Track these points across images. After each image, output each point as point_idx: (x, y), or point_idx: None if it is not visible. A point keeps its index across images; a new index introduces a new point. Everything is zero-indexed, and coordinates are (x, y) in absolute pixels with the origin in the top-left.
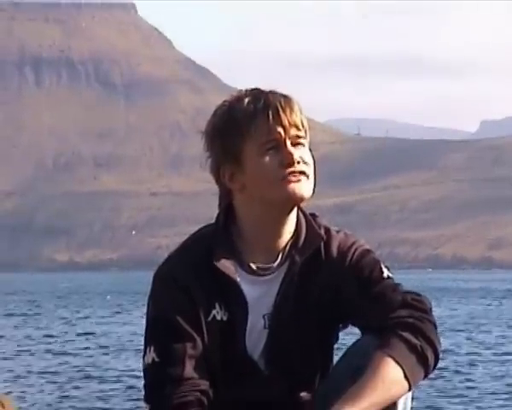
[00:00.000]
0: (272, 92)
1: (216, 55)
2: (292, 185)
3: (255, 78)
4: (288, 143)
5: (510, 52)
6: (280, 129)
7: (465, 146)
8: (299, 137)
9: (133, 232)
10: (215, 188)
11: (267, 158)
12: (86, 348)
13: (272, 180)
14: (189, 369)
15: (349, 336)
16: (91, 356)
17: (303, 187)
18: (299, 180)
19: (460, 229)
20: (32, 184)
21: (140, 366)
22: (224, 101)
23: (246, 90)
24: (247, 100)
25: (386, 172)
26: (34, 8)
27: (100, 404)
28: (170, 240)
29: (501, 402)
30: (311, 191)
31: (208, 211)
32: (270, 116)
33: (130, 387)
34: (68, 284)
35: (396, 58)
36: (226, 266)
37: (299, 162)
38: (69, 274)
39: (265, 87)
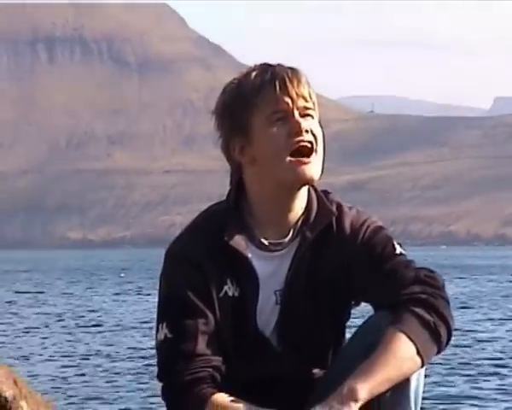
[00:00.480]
0: (280, 65)
1: (229, 34)
2: (301, 167)
3: (269, 56)
4: (296, 113)
5: None
6: (287, 99)
7: (479, 123)
8: (307, 108)
9: (122, 275)
10: (228, 166)
11: (275, 128)
12: (97, 326)
13: (281, 151)
14: (201, 345)
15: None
16: (103, 334)
17: (312, 168)
18: (308, 162)
19: (473, 206)
20: (45, 162)
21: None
22: (234, 78)
23: (254, 65)
24: (254, 74)
25: (400, 149)
26: None
27: (110, 383)
28: (183, 218)
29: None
30: (320, 171)
31: (221, 188)
32: (277, 87)
33: (143, 366)
34: (82, 261)
35: (407, 35)
36: (237, 242)
37: (307, 131)
38: (82, 251)
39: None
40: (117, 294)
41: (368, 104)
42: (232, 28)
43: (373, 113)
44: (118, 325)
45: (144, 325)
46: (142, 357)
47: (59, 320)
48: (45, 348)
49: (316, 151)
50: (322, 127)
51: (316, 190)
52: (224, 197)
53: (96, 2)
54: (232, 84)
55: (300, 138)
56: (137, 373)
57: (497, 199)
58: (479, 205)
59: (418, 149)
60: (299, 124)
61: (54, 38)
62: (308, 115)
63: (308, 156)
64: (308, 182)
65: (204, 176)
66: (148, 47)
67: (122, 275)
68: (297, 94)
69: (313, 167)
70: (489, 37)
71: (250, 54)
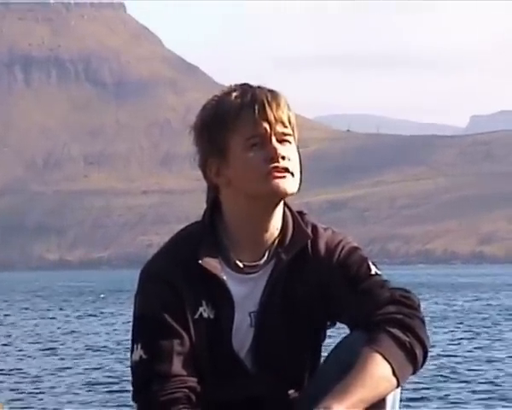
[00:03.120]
0: (260, 87)
1: (205, 53)
2: (276, 181)
3: (244, 75)
4: (274, 138)
5: (499, 47)
6: (265, 124)
7: (455, 141)
8: (284, 134)
9: (101, 296)
10: (205, 186)
11: (252, 153)
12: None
13: (256, 175)
14: (176, 366)
15: (337, 332)
16: (82, 356)
17: (287, 183)
18: (283, 176)
19: (451, 224)
20: (22, 183)
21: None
22: (214, 96)
23: (235, 85)
24: (234, 94)
25: (377, 168)
26: (23, 8)
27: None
28: (161, 238)
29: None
30: (296, 188)
31: (199, 209)
32: (256, 111)
33: (116, 391)
34: (62, 282)
35: (384, 53)
36: (212, 264)
37: (283, 158)
38: (60, 273)
39: (255, 83)
40: (93, 315)
41: (345, 123)
42: (208, 49)
43: (350, 132)
44: (90, 347)
45: (120, 346)
46: (117, 377)
47: (48, 342)
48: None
49: (292, 174)
50: (299, 153)
51: (291, 210)
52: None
53: (72, 22)
54: (212, 102)
55: (276, 165)
56: (111, 391)
57: (474, 217)
58: (456, 223)
59: (395, 167)
60: (275, 150)
61: (30, 58)
62: (285, 141)
63: (283, 174)
64: (282, 195)
65: (181, 196)
66: (125, 67)
67: (102, 296)
68: (275, 119)
69: (287, 182)
70: (465, 55)
71: (227, 74)
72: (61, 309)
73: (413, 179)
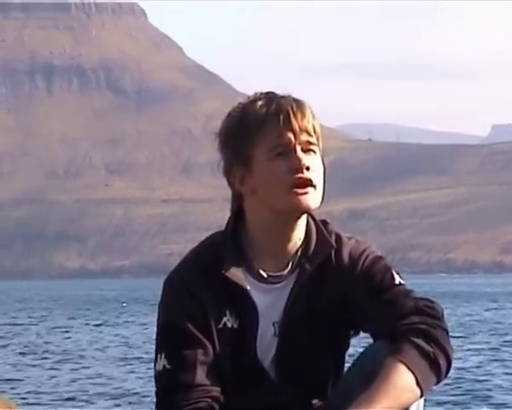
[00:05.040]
0: (285, 97)
1: (227, 62)
2: (298, 197)
3: (266, 84)
4: (298, 148)
5: None
6: (290, 134)
7: (476, 151)
8: (310, 143)
9: (124, 304)
10: (226, 194)
11: (276, 163)
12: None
13: (280, 186)
14: (200, 375)
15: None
16: (102, 363)
17: (310, 199)
18: (306, 192)
19: (471, 233)
20: (43, 192)
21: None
22: (239, 103)
23: (260, 94)
24: (259, 103)
25: (398, 177)
26: (45, 16)
27: None
28: (181, 247)
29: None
30: (319, 202)
31: (219, 218)
32: (281, 120)
33: (143, 396)
34: (81, 291)
35: (406, 62)
36: (236, 274)
37: (308, 169)
38: (81, 281)
39: (278, 91)
40: (118, 324)
41: (366, 132)
42: (230, 56)
43: (371, 141)
44: (118, 356)
45: (145, 355)
46: (142, 386)
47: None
48: (38, 378)
49: (314, 187)
50: (324, 162)
51: (315, 220)
52: (223, 227)
53: (93, 31)
54: (237, 109)
55: (300, 175)
56: (138, 402)
57: (495, 227)
58: (477, 233)
59: (416, 176)
60: (299, 160)
61: (52, 67)
62: (310, 150)
63: (306, 188)
64: (304, 211)
65: (202, 205)
66: (146, 76)
67: (124, 305)
68: (300, 128)
69: (310, 198)
70: (486, 63)
71: (248, 81)
72: (84, 319)
73: (434, 189)
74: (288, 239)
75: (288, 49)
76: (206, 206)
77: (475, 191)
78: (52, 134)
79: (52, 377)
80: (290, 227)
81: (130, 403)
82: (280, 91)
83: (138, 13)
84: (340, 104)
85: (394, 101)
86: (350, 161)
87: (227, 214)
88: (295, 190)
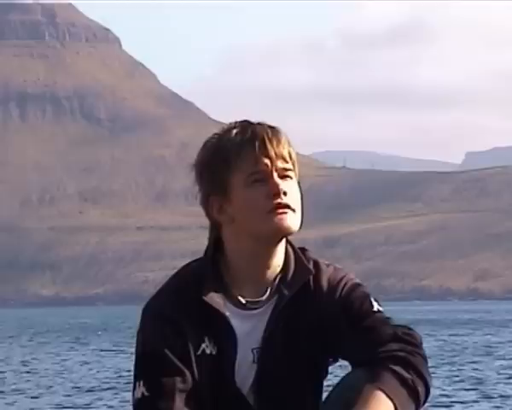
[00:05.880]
0: (260, 124)
1: (201, 90)
2: (278, 218)
3: (240, 111)
4: (275, 174)
5: (494, 83)
6: (266, 160)
7: (450, 178)
8: (286, 169)
9: (99, 333)
10: (201, 222)
11: (254, 189)
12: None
13: (259, 212)
14: (179, 403)
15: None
16: (78, 394)
17: (289, 220)
18: (285, 213)
19: (446, 260)
20: (17, 220)
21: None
22: (214, 133)
23: (235, 122)
24: (234, 131)
25: (372, 204)
26: (19, 44)
27: None
28: (156, 274)
29: None
30: (298, 225)
31: (194, 245)
32: (257, 147)
33: None
34: (57, 319)
35: (379, 90)
36: (215, 300)
37: (285, 194)
38: (56, 309)
39: (253, 119)
40: (91, 353)
41: (340, 159)
42: (204, 84)
43: (345, 168)
44: (93, 385)
45: (121, 385)
46: None
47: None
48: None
49: (293, 210)
50: (300, 188)
51: (293, 247)
52: (199, 254)
53: (68, 59)
54: (213, 139)
55: (278, 201)
56: None
57: (469, 254)
58: (451, 260)
59: (391, 204)
60: (277, 185)
61: (25, 95)
62: (287, 176)
63: (285, 212)
64: (285, 233)
65: (177, 232)
66: (120, 103)
67: (99, 333)
68: (276, 155)
69: (290, 219)
70: (460, 91)
71: (222, 110)
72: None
73: (408, 216)
74: (267, 266)
75: (260, 78)
76: (180, 233)
77: (449, 218)
78: (26, 162)
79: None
80: (269, 254)
81: None
82: (254, 119)
83: (112, 41)
84: (315, 132)
85: (369, 128)
86: (324, 188)
87: (202, 242)
88: (275, 211)
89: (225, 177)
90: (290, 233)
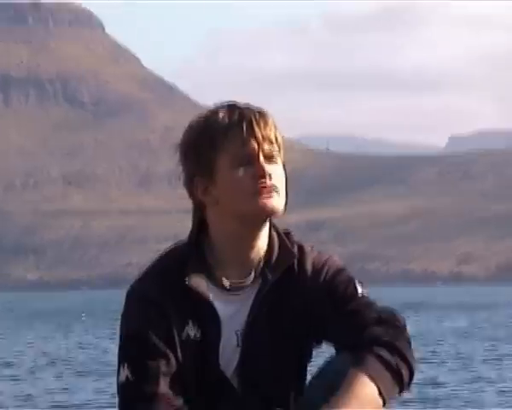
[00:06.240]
0: (247, 106)
1: (184, 73)
2: (263, 200)
3: (223, 95)
4: (261, 157)
5: (477, 67)
6: (254, 143)
7: (434, 161)
8: (272, 152)
9: (83, 316)
10: (184, 206)
11: (240, 171)
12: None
13: (244, 194)
14: (163, 386)
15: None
16: (61, 377)
17: (274, 201)
18: (270, 196)
19: (430, 244)
20: (1, 203)
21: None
22: (200, 114)
23: (221, 104)
24: (221, 113)
25: (356, 187)
26: (2, 29)
27: None
28: (140, 258)
29: None
30: (283, 206)
31: (178, 228)
32: (244, 129)
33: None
34: (40, 303)
35: (363, 73)
36: (198, 283)
37: (270, 177)
38: (39, 293)
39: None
40: (75, 337)
41: (324, 143)
42: (189, 68)
43: (329, 151)
44: (77, 368)
45: (107, 368)
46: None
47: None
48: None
49: (278, 193)
50: (285, 171)
51: (277, 230)
52: (183, 237)
53: (51, 42)
54: (198, 120)
55: (264, 183)
56: None
57: (453, 237)
58: (435, 243)
59: (374, 187)
60: (263, 168)
61: (9, 78)
62: (273, 159)
63: (270, 193)
64: (269, 214)
65: (160, 216)
66: (104, 87)
67: (83, 316)
68: (263, 137)
69: (275, 201)
70: (444, 75)
71: (205, 93)
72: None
73: (392, 199)
74: (251, 248)
75: (245, 59)
76: (164, 217)
77: (433, 202)
78: (9, 146)
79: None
80: (253, 236)
81: None
82: (243, 102)
83: (96, 24)
84: (299, 115)
85: (353, 112)
86: (308, 171)
87: (185, 225)
88: (260, 193)
89: (211, 158)
90: (275, 214)
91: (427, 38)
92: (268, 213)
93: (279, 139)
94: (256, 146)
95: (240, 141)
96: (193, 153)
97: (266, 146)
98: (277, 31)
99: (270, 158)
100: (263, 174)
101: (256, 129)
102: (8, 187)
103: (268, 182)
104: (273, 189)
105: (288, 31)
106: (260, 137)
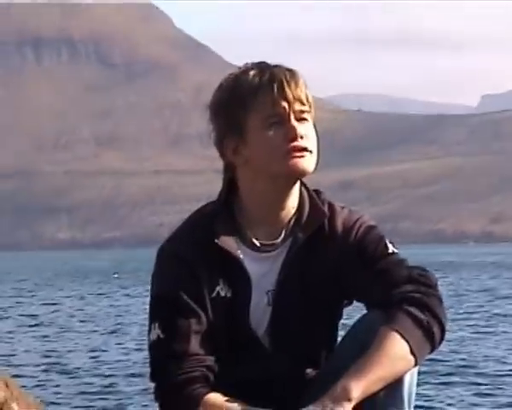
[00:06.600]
0: (278, 66)
1: (216, 33)
2: (294, 160)
3: (255, 54)
4: (292, 117)
5: (510, 26)
6: (284, 103)
7: (466, 120)
8: (303, 111)
9: (115, 275)
10: (216, 166)
11: (271, 132)
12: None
13: (275, 154)
14: (194, 345)
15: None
16: (94, 335)
17: (306, 162)
18: (302, 156)
19: (461, 204)
20: (32, 164)
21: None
22: (230, 74)
23: (252, 64)
24: (252, 73)
25: (388, 147)
26: None
27: (99, 384)
28: (171, 218)
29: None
30: (314, 166)
31: (209, 189)
32: (275, 90)
33: (136, 365)
34: (73, 262)
35: (395, 32)
36: (228, 243)
37: (302, 137)
38: (71, 252)
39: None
40: (107, 296)
41: (355, 103)
42: (219, 28)
43: (361, 111)
44: (110, 327)
45: (137, 327)
46: (135, 359)
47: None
48: (34, 348)
49: (310, 152)
50: (317, 131)
51: (308, 189)
52: (214, 198)
53: (83, 2)
54: (229, 80)
55: (295, 144)
56: (131, 375)
57: (485, 197)
58: (466, 203)
59: (406, 147)
60: (294, 129)
61: (40, 39)
62: (304, 119)
63: (302, 153)
64: (301, 174)
65: (192, 176)
66: (135, 47)
67: (115, 275)
68: (294, 97)
69: (306, 161)
70: (475, 34)
71: (237, 53)
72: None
73: (423, 159)
74: (281, 208)
75: (274, 22)
76: (195, 177)
77: (465, 161)
78: (41, 106)
79: (48, 350)
80: (284, 195)
81: (128, 375)
82: (274, 62)
83: None
84: (330, 75)
85: (384, 71)
86: (340, 131)
87: (217, 186)
88: (291, 154)
89: (241, 118)
90: (305, 174)
91: None
92: (299, 174)
93: (310, 99)
94: (287, 106)
95: (270, 101)
96: (223, 113)
97: (297, 106)
98: None
99: (301, 118)
100: (294, 135)
101: (287, 89)
102: (39, 147)
103: (300, 142)
104: (305, 149)
105: None
106: (291, 97)
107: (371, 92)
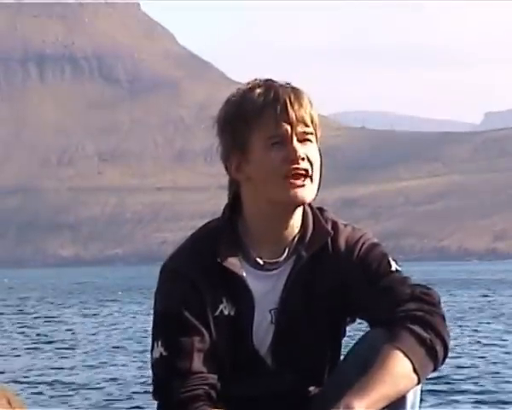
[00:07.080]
0: (283, 85)
1: (219, 50)
2: (294, 189)
3: (258, 71)
4: (295, 139)
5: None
6: (287, 124)
7: (470, 138)
8: (306, 133)
9: (119, 293)
10: (220, 182)
11: (272, 152)
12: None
13: (275, 175)
14: (197, 363)
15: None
16: (96, 352)
17: (305, 191)
18: (302, 185)
19: (465, 221)
20: (36, 180)
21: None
22: (238, 89)
23: (259, 81)
24: (258, 91)
25: (391, 164)
26: (38, 5)
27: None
28: (175, 235)
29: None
30: (314, 194)
31: (213, 205)
32: (278, 110)
33: (138, 383)
34: (77, 279)
35: (399, 50)
36: (232, 261)
37: (303, 159)
38: (75, 269)
39: (278, 79)
40: (110, 313)
41: (358, 120)
42: (222, 45)
43: (364, 128)
44: (112, 344)
45: (138, 345)
46: (135, 375)
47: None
48: (36, 367)
49: (310, 177)
50: (320, 152)
51: (311, 207)
52: (218, 215)
53: (86, 20)
54: (236, 97)
55: (296, 166)
56: (132, 394)
57: (489, 214)
58: (470, 220)
59: (410, 164)
60: (295, 151)
61: (44, 55)
62: (307, 140)
63: (302, 180)
64: (299, 204)
65: (195, 193)
66: (139, 64)
67: (120, 293)
68: (297, 118)
69: (306, 191)
70: (479, 51)
71: (240, 70)
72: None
73: (427, 176)
74: (284, 227)
75: (277, 39)
76: (199, 194)
77: (468, 179)
78: (45, 123)
79: (56, 368)
80: (287, 215)
81: (131, 393)
82: (277, 79)
83: (131, 1)
84: (334, 92)
85: (388, 89)
86: (343, 148)
87: (220, 202)
88: (291, 181)
89: (245, 135)
90: (304, 204)
91: (461, 13)
92: (298, 203)
93: (315, 120)
94: (289, 128)
95: (273, 122)
96: (228, 129)
97: (300, 128)
98: (308, 6)
99: (303, 140)
100: (294, 157)
101: (290, 110)
102: (43, 163)
103: (300, 165)
104: (305, 173)
105: (317, 6)
106: (294, 118)
107: (375, 110)
